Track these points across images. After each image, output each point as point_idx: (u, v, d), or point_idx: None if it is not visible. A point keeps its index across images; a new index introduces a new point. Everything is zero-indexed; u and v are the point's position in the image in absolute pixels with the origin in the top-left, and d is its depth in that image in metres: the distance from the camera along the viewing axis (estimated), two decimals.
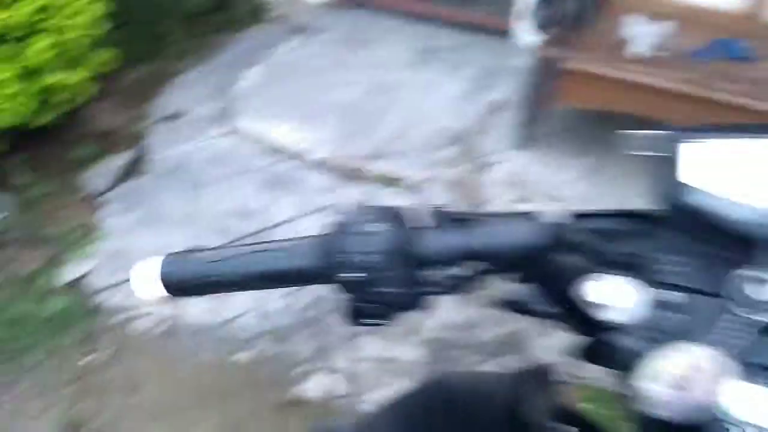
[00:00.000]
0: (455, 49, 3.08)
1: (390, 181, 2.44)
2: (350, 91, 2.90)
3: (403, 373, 1.83)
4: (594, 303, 0.47)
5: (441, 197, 2.32)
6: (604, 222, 0.55)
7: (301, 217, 2.31)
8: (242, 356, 1.91)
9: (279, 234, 2.26)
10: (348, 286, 0.52)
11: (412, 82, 2.91)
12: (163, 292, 0.60)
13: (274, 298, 2.04)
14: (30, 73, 2.21)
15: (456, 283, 0.53)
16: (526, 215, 0.52)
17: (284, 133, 2.72)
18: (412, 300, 0.54)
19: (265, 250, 0.59)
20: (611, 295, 0.46)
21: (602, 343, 0.47)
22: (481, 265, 0.53)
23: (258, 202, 2.41)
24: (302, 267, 0.56)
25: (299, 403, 1.79)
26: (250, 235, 2.27)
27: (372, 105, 2.81)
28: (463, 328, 1.92)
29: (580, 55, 2.13)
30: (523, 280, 0.55)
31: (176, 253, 0.60)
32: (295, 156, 2.62)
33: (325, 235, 0.55)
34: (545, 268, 0.52)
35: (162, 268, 0.59)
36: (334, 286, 0.54)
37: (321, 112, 2.80)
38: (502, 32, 3.09)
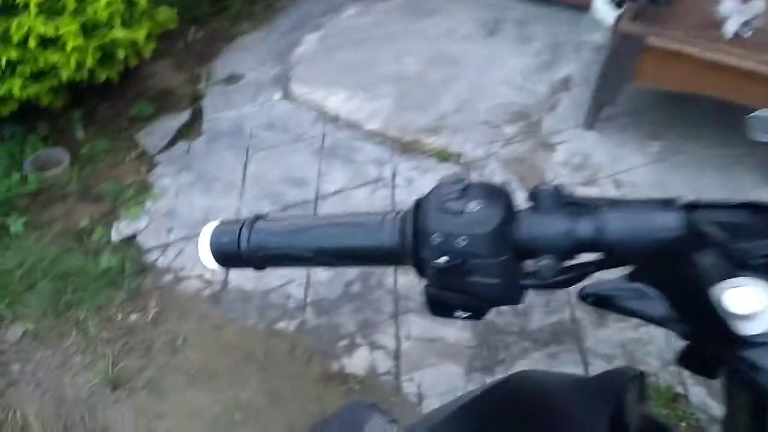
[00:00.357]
0: (524, 22, 2.93)
1: (447, 156, 2.34)
2: (411, 61, 2.80)
3: (448, 355, 1.76)
4: (734, 312, 0.37)
5: (500, 176, 2.22)
6: (726, 215, 0.46)
7: (353, 189, 2.25)
8: (286, 325, 1.87)
9: (330, 204, 2.21)
10: (435, 272, 0.44)
11: (477, 54, 2.78)
12: (213, 263, 0.54)
13: (321, 270, 2.00)
14: (92, 28, 2.21)
15: (564, 277, 0.45)
16: (656, 203, 0.43)
17: (341, 101, 2.65)
18: (509, 293, 0.46)
19: (336, 224, 0.52)
20: (753, 303, 0.37)
21: (736, 359, 0.38)
22: (597, 257, 0.45)
23: (310, 171, 2.37)
24: (380, 246, 0.48)
25: (341, 377, 1.75)
26: (301, 204, 2.23)
27: (433, 76, 2.70)
28: (513, 314, 1.83)
29: (664, 32, 1.96)
30: (637, 278, 0.46)
31: (229, 222, 0.54)
32: (350, 125, 2.55)
33: (411, 210, 0.47)
34: (675, 265, 0.43)
35: (211, 237, 0.53)
36: (417, 270, 0.47)
37: (379, 81, 2.71)
38: (574, 5, 2.91)
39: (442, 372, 1.71)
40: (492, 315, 1.83)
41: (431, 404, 1.65)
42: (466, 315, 0.49)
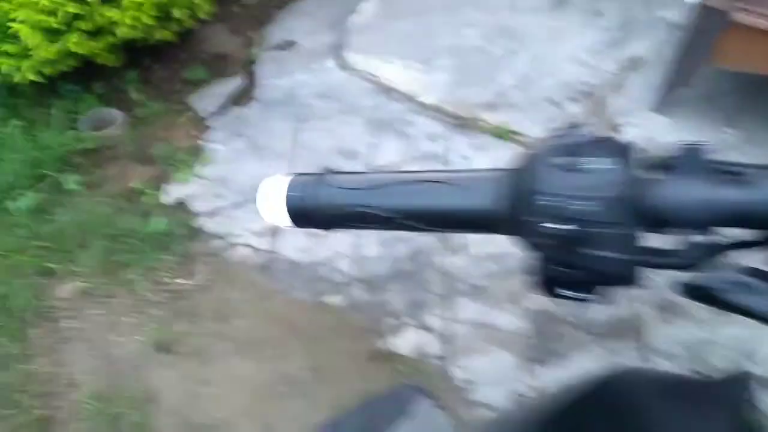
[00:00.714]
0: None
1: (505, 134, 2.24)
2: (471, 33, 2.68)
3: (500, 342, 1.69)
4: None
5: None
6: None
7: (406, 163, 2.18)
8: (334, 299, 1.84)
9: None
10: (545, 241, 0.38)
11: (541, 28, 2.65)
12: (286, 220, 0.48)
13: (370, 245, 1.95)
14: None
15: (699, 255, 0.37)
16: None
17: (396, 72, 2.56)
18: (630, 271, 0.38)
19: (427, 182, 0.45)
20: None
21: None
22: (749, 234, 0.37)
23: (363, 143, 2.30)
24: (477, 209, 0.42)
25: (388, 357, 1.70)
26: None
27: (494, 50, 2.59)
28: (573, 303, 1.74)
29: (754, 7, 1.81)
30: None
31: (306, 174, 0.48)
32: (405, 97, 2.47)
33: (518, 169, 0.40)
34: None
35: (288, 190, 0.47)
36: (521, 239, 0.40)
37: (437, 53, 2.61)
38: None
39: (493, 359, 1.65)
40: (551, 303, 1.76)
41: (480, 392, 1.60)
42: (575, 295, 0.42)
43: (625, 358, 1.63)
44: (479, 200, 0.42)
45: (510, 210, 0.40)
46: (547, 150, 0.38)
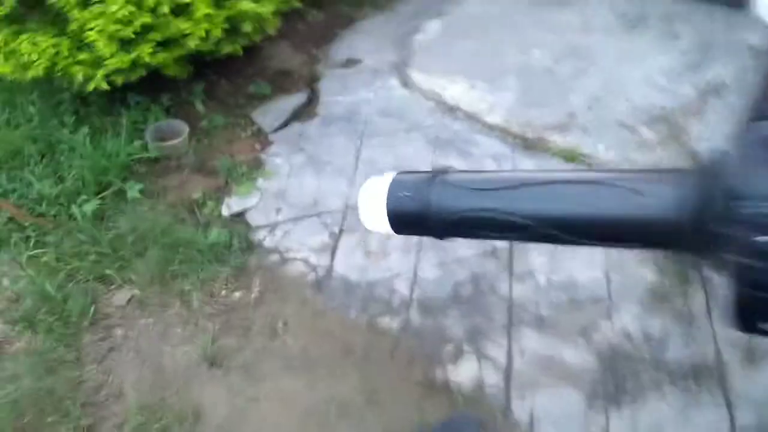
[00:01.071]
0: (670, 18, 2.65)
1: (574, 157, 2.14)
2: (539, 53, 2.61)
3: (566, 377, 1.58)
4: None
5: None
6: None
7: None
8: (389, 322, 1.76)
9: None
10: (752, 260, 0.29)
11: (614, 49, 2.55)
12: (386, 227, 0.41)
13: (429, 266, 1.88)
14: None
15: None
16: None
17: (461, 91, 2.51)
18: None
19: (579, 182, 0.38)
20: None
21: None
22: None
23: (424, 162, 2.24)
24: (651, 217, 0.34)
25: (444, 386, 1.61)
26: None
27: (562, 71, 2.50)
28: (645, 340, 1.62)
29: None
30: None
31: (414, 172, 0.41)
32: (469, 117, 2.40)
33: (709, 166, 0.33)
34: None
35: (389, 191, 0.41)
36: (711, 256, 0.32)
37: (503, 73, 2.54)
38: (731, 1, 2.61)
39: (558, 396, 1.54)
40: (621, 339, 1.63)
41: (544, 431, 1.48)
42: None
43: (706, 402, 1.49)
44: (653, 207, 0.34)
45: (697, 220, 0.32)
46: (753, 142, 0.30)
